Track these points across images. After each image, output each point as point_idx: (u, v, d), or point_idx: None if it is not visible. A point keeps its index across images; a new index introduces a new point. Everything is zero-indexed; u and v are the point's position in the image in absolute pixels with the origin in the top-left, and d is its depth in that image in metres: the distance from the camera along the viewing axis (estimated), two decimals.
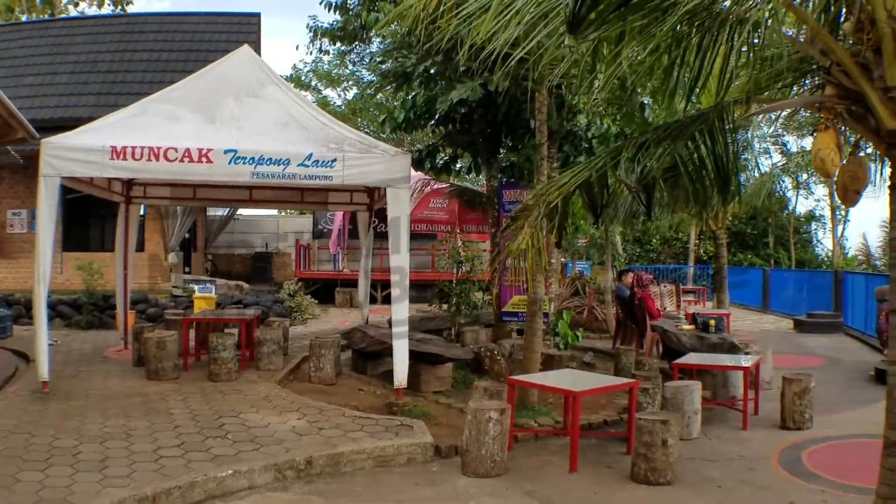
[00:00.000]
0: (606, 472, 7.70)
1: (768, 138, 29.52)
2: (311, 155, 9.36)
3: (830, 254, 38.01)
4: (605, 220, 17.62)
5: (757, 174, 20.84)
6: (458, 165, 15.56)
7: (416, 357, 10.24)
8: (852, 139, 5.67)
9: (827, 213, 38.04)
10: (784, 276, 29.46)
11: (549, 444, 8.68)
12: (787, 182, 26.68)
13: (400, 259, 9.68)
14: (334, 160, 9.38)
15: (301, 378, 11.02)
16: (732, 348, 11.34)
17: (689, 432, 8.92)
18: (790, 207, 35.94)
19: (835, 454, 8.45)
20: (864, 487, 6.37)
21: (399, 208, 9.71)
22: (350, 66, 37.99)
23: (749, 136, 19.32)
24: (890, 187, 4.92)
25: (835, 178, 5.51)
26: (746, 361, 10.31)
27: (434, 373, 10.78)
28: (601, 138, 13.30)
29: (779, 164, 27.30)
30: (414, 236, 20.59)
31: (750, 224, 37.77)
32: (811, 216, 39.83)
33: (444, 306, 14.45)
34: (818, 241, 41.35)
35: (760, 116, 13.36)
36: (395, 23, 9.53)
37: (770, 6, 5.15)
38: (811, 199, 38.77)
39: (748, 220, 36.83)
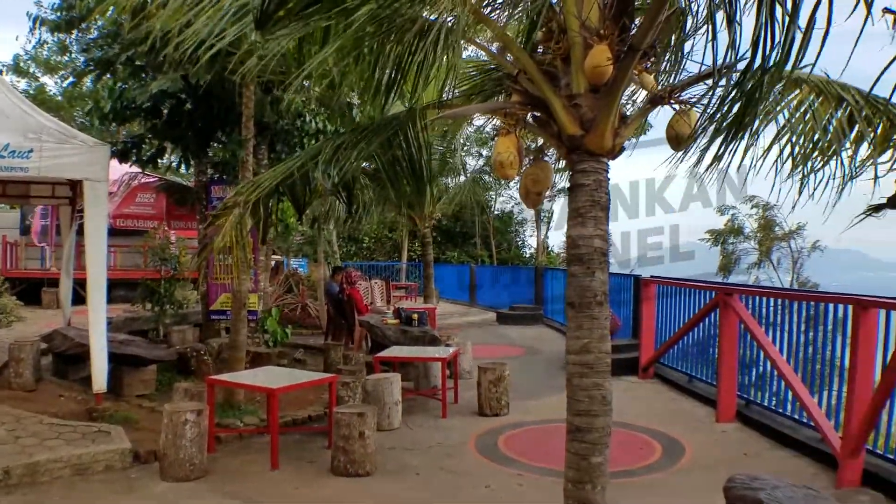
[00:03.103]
0: (308, 467, 7.80)
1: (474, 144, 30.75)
2: (7, 145, 8.70)
3: (534, 252, 40.12)
4: (320, 218, 17.90)
5: (463, 177, 21.69)
6: (166, 159, 15.05)
7: (117, 360, 9.77)
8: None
9: (529, 215, 40.21)
10: (489, 272, 30.88)
11: (253, 443, 8.63)
12: (488, 184, 27.95)
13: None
14: (31, 151, 8.77)
15: (0, 385, 10.32)
16: (433, 340, 11.77)
17: (390, 423, 9.21)
18: (491, 209, 37.76)
19: (530, 438, 8.98)
20: (558, 470, 6.72)
21: (97, 207, 9.28)
22: (69, 55, 36.08)
23: (458, 140, 20.06)
24: (569, 189, 5.25)
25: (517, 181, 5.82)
26: (444, 353, 10.76)
27: (137, 376, 10.33)
28: (314, 136, 13.34)
29: (477, 168, 28.59)
30: (122, 233, 19.86)
31: (458, 223, 39.20)
32: (510, 218, 41.84)
33: (150, 305, 13.97)
34: (524, 240, 43.55)
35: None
36: (108, 12, 9.11)
37: (454, 14, 5.34)
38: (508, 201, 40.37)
39: (455, 219, 38.22)
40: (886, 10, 2.88)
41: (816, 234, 34.80)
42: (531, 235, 42.54)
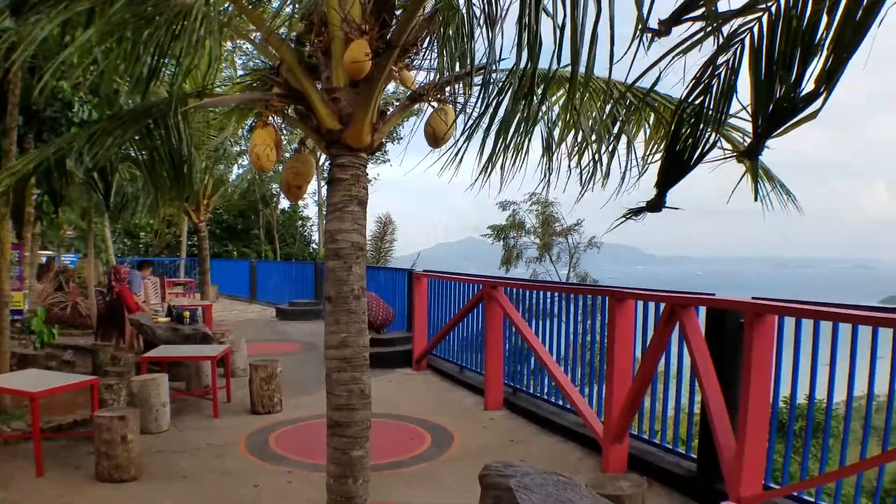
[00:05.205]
0: (75, 473, 7.45)
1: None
2: None
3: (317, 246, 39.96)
4: (90, 211, 17.05)
5: (241, 171, 21.35)
6: None
7: None
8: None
9: (313, 210, 40.08)
10: (270, 267, 30.47)
11: (19, 449, 8.17)
12: (273, 178, 27.50)
13: None
14: None
15: None
16: (205, 338, 11.48)
17: (158, 425, 8.92)
18: (275, 202, 37.39)
19: (301, 435, 8.92)
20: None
21: None
22: None
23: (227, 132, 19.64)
24: (328, 182, 5.24)
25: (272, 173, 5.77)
26: (215, 351, 10.51)
27: None
28: (81, 125, 12.71)
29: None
30: None
31: (241, 218, 38.56)
32: (295, 212, 41.55)
33: None
34: (310, 235, 43.27)
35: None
36: None
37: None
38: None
39: (239, 214, 37.59)
40: (647, 29, 3.02)
41: (596, 229, 36.41)
42: (317, 230, 42.48)
